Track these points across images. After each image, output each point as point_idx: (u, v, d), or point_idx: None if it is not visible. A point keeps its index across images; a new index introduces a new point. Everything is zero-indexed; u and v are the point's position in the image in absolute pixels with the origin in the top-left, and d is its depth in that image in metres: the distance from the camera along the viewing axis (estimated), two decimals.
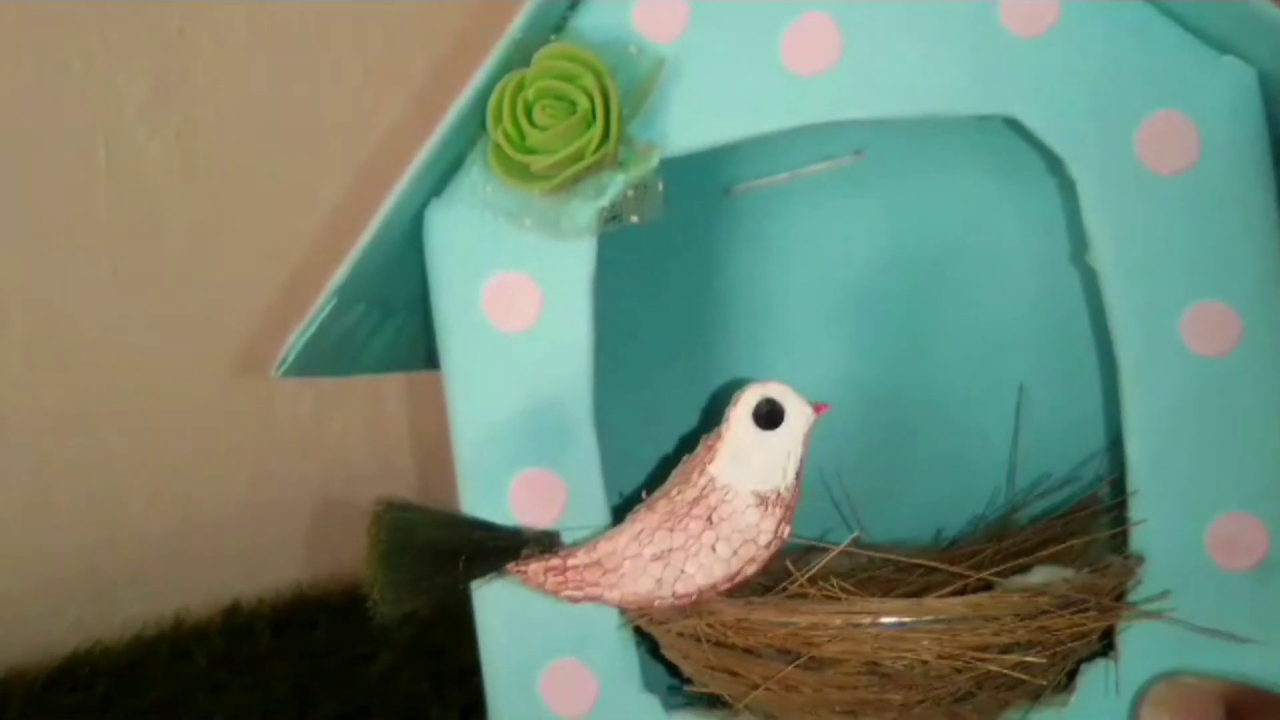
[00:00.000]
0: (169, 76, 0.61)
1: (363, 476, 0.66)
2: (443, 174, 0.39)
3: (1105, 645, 0.37)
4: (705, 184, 0.48)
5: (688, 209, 0.48)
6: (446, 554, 0.32)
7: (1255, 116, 0.36)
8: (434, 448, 0.60)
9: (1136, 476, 0.37)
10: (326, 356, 0.41)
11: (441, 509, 0.33)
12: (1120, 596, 0.35)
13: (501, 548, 0.34)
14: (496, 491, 0.38)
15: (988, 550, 0.39)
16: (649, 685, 0.38)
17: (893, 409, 0.45)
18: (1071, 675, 0.37)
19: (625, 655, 0.38)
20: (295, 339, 0.38)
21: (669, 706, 0.38)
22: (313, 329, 0.38)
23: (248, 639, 0.58)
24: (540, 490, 0.38)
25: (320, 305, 0.38)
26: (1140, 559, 0.36)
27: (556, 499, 0.38)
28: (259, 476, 0.65)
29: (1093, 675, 0.36)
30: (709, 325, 0.47)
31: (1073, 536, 0.39)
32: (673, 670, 0.39)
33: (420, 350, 0.46)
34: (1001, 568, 0.35)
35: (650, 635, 0.38)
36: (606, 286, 0.39)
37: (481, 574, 0.33)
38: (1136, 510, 0.36)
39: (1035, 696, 0.35)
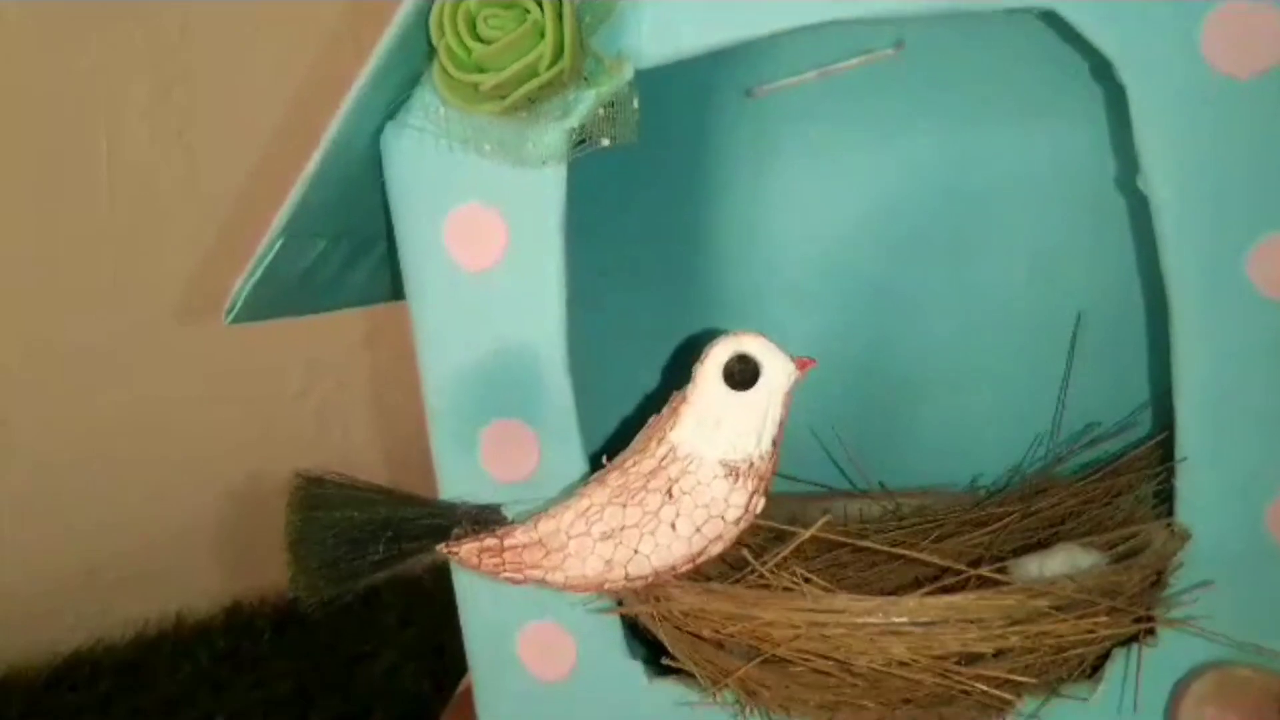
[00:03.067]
0: (170, 76, 0.61)
1: (364, 476, 0.65)
2: (396, 93, 0.35)
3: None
4: (721, 85, 0.43)
5: (697, 115, 0.43)
6: (366, 535, 0.29)
7: None
8: None
9: (1188, 441, 0.31)
10: (288, 297, 0.38)
11: (367, 484, 0.31)
12: (1156, 584, 0.30)
13: (430, 527, 0.31)
14: (467, 443, 0.35)
15: (1013, 516, 0.34)
16: (634, 651, 0.36)
17: (919, 356, 0.40)
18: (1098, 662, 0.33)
19: (607, 619, 0.35)
20: (241, 283, 0.36)
21: (651, 674, 0.35)
22: (259, 272, 0.35)
23: (249, 638, 0.58)
24: (512, 442, 0.35)
25: (266, 245, 0.35)
26: (1186, 535, 0.31)
27: (529, 452, 0.35)
28: (259, 476, 0.64)
29: (1123, 665, 0.32)
30: (704, 268, 0.42)
31: (1115, 498, 0.34)
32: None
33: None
34: (1019, 545, 0.30)
35: None
36: (583, 219, 0.35)
37: (408, 555, 0.30)
38: (1185, 480, 0.31)
39: (1052, 690, 0.31)
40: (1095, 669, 0.32)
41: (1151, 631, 0.32)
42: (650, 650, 0.35)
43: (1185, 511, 0.31)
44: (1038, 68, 0.34)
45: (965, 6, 0.31)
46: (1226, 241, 0.30)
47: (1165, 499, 0.33)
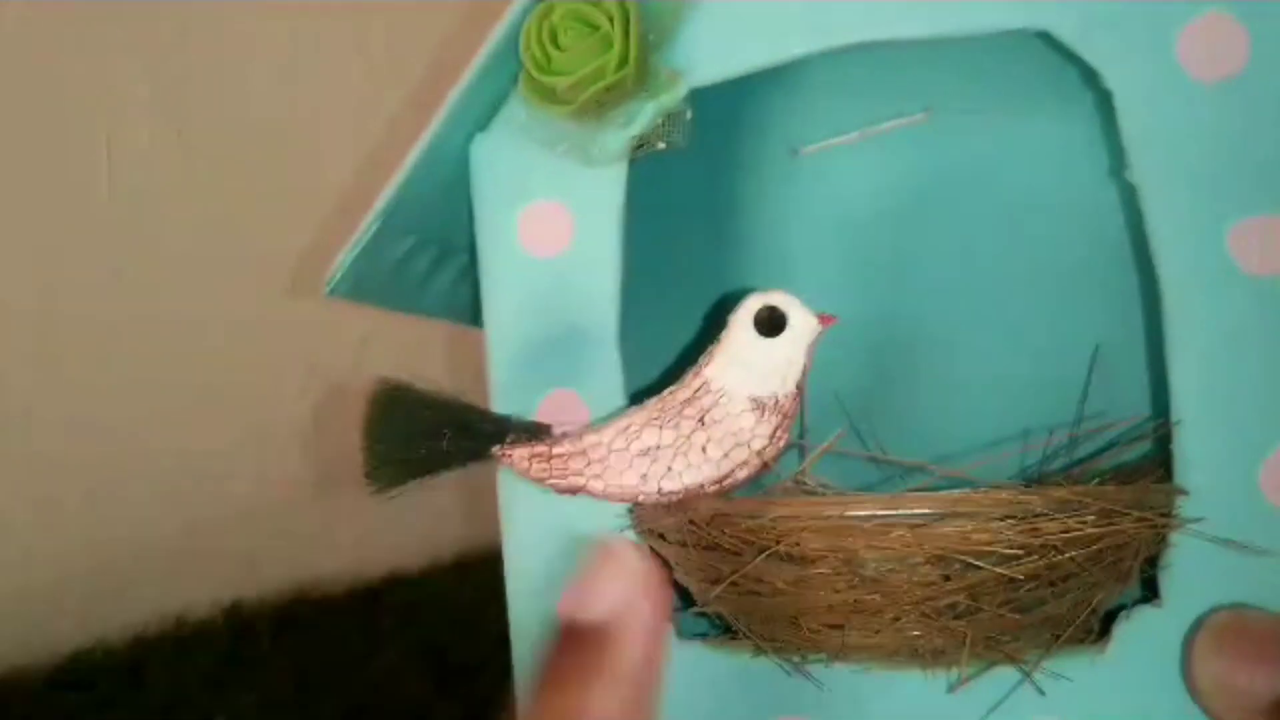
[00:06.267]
0: (170, 76, 0.61)
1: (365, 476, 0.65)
2: (486, 109, 0.41)
3: (1146, 595, 0.35)
4: (768, 142, 0.49)
5: (755, 164, 0.49)
6: (433, 429, 0.33)
7: None
8: None
9: (1182, 406, 0.34)
10: (380, 285, 0.43)
11: (438, 391, 0.35)
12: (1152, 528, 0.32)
13: (490, 431, 0.34)
14: (525, 410, 0.39)
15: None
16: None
17: (931, 338, 0.44)
18: (1107, 626, 0.34)
19: None
20: (344, 256, 0.41)
21: (681, 635, 0.38)
22: (356, 250, 0.40)
23: (249, 638, 0.58)
24: (565, 409, 0.39)
25: (365, 226, 0.40)
26: (1182, 491, 0.33)
27: (580, 418, 0.39)
28: (259, 476, 0.65)
29: (1132, 623, 0.34)
30: (737, 254, 0.47)
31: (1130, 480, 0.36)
32: (685, 600, 0.38)
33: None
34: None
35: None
36: (637, 219, 0.40)
37: (469, 453, 0.34)
38: (1180, 443, 0.34)
39: (1056, 635, 0.33)
40: (1105, 630, 0.34)
41: (1155, 593, 0.34)
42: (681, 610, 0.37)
43: (1181, 472, 0.34)
44: (1044, 69, 0.39)
45: (966, 30, 0.36)
46: (1208, 223, 0.34)
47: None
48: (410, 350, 0.56)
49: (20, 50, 0.57)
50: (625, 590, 0.26)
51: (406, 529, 0.67)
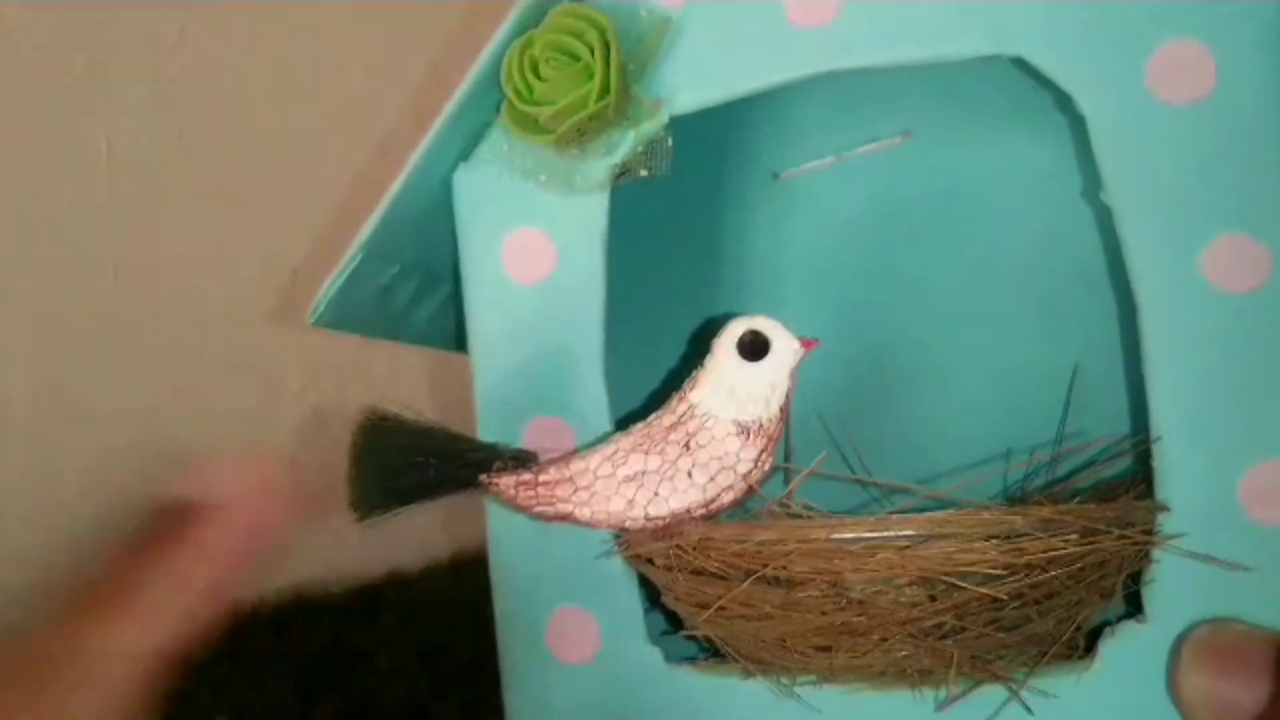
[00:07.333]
0: (169, 76, 0.61)
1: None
2: (469, 140, 0.41)
3: (1130, 610, 0.35)
4: (752, 167, 0.49)
5: (739, 189, 0.49)
6: (418, 459, 0.33)
7: (1278, 42, 0.34)
8: None
9: (1161, 423, 0.34)
10: (364, 314, 0.43)
11: (424, 420, 0.35)
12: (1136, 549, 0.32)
13: (475, 459, 0.35)
14: (511, 438, 0.39)
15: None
16: (654, 638, 0.38)
17: (912, 358, 0.44)
18: (1092, 642, 0.35)
19: (630, 606, 0.38)
20: (327, 286, 0.41)
21: (670, 658, 0.38)
22: (343, 278, 0.41)
23: (249, 638, 0.57)
24: (551, 435, 0.39)
25: (350, 256, 0.40)
26: (1163, 508, 0.34)
27: (566, 445, 0.39)
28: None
29: (1117, 639, 0.34)
30: (722, 279, 0.47)
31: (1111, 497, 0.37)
32: (674, 623, 0.38)
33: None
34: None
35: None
36: (621, 244, 0.40)
37: (453, 483, 0.34)
38: (1160, 459, 0.34)
39: (1041, 653, 0.33)
40: (1090, 646, 0.35)
41: (1139, 608, 0.34)
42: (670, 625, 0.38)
43: (1162, 488, 0.34)
44: (1023, 92, 0.40)
45: (941, 57, 0.37)
46: (1182, 242, 0.34)
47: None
48: (410, 350, 0.56)
49: (20, 50, 0.57)
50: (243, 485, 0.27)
51: (406, 529, 0.67)
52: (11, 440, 0.59)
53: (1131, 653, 0.34)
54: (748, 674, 0.35)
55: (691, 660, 0.38)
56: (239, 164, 0.64)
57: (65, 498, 0.60)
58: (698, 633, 0.35)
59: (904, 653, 0.32)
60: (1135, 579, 0.34)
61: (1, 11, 0.57)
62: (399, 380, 0.67)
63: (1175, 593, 0.33)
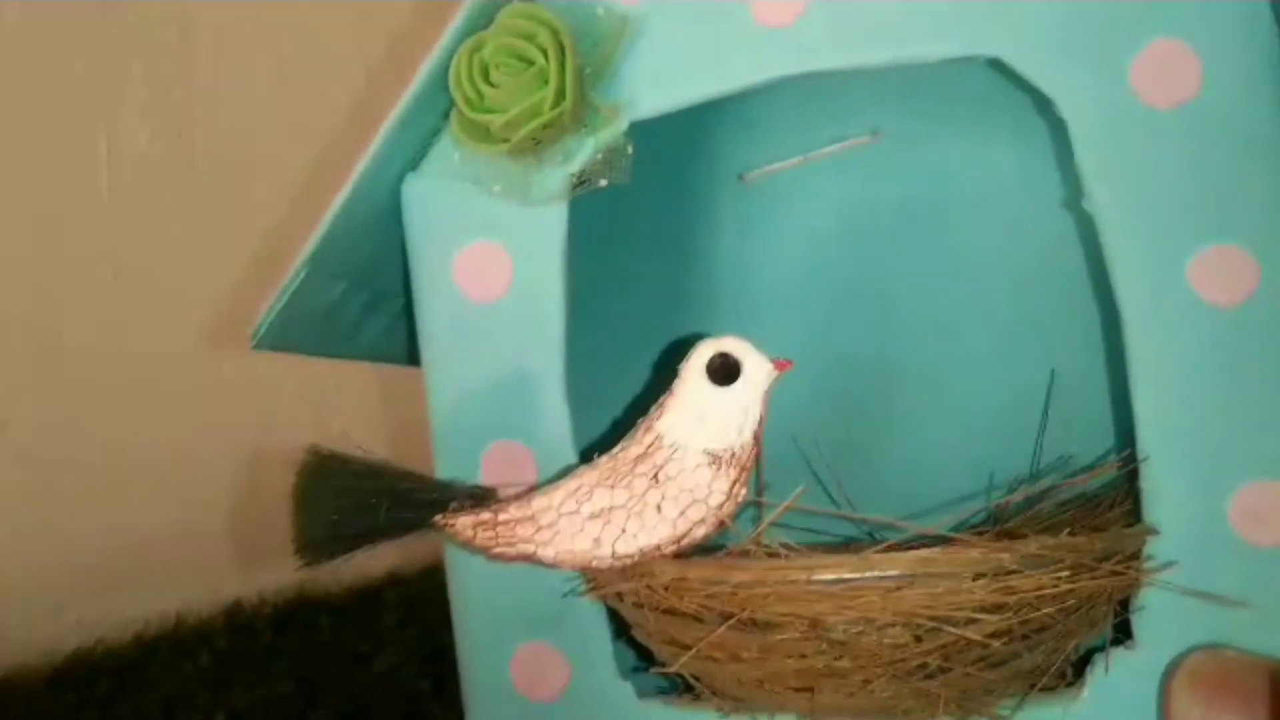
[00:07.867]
0: (169, 76, 0.61)
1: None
2: (418, 147, 0.39)
3: (1119, 636, 0.34)
4: (718, 170, 0.47)
5: (706, 194, 0.47)
6: (368, 502, 0.31)
7: (1265, 42, 0.33)
8: None
9: (1148, 442, 0.33)
10: (310, 332, 0.41)
11: (373, 458, 0.32)
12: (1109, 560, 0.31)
13: (429, 500, 0.32)
14: (469, 464, 0.37)
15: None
16: (623, 672, 0.36)
17: (889, 372, 0.43)
18: (1081, 669, 0.33)
19: (598, 640, 0.36)
20: (268, 309, 0.38)
21: (642, 693, 0.36)
22: (284, 299, 0.38)
23: (249, 638, 0.58)
24: (510, 461, 0.37)
25: (291, 275, 0.38)
26: (1152, 531, 0.32)
27: (527, 470, 0.37)
28: (259, 476, 0.64)
29: (1108, 667, 0.33)
30: (691, 292, 0.45)
31: (1094, 518, 0.36)
32: (644, 654, 0.37)
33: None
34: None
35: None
36: (582, 253, 0.38)
37: (407, 525, 0.32)
38: (1148, 479, 0.33)
39: (1030, 685, 0.32)
40: (1079, 674, 0.33)
41: (1128, 634, 0.33)
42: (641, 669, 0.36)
43: (1150, 509, 0.33)
44: (1000, 93, 0.38)
45: (914, 58, 0.35)
46: (1168, 254, 0.33)
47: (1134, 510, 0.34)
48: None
49: (20, 50, 0.57)
50: None
51: None
52: (11, 439, 0.58)
53: (1122, 681, 0.33)
54: (724, 713, 0.33)
55: (664, 694, 0.36)
56: (239, 164, 0.63)
57: (65, 499, 0.59)
58: (670, 670, 0.33)
59: (888, 694, 0.30)
60: (1124, 605, 0.33)
61: (1, 12, 0.57)
62: (401, 380, 0.66)
63: (1166, 619, 0.32)
